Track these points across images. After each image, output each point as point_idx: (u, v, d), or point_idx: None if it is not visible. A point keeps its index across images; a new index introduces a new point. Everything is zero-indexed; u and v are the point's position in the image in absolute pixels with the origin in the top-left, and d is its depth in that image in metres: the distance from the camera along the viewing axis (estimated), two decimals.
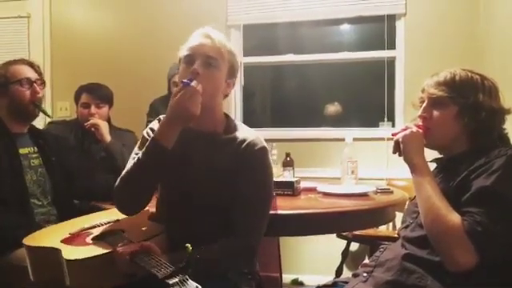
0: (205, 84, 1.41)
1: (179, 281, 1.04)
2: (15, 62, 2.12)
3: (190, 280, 1.04)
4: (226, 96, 1.57)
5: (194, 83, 1.37)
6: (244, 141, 1.49)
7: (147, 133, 1.53)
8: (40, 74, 2.15)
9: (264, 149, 1.50)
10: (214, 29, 1.53)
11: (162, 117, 1.52)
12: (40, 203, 2.08)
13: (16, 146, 2.06)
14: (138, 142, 1.54)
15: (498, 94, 1.40)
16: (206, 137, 1.52)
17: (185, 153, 1.49)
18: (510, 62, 2.71)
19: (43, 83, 2.15)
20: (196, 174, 1.48)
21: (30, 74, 2.10)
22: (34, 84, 2.09)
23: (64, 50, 3.88)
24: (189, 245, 1.09)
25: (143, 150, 1.41)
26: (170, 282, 1.04)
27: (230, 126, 1.55)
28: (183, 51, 1.50)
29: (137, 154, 1.45)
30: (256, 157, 1.48)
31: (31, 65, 2.14)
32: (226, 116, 1.59)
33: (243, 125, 1.59)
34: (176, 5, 3.66)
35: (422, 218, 1.32)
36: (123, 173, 1.46)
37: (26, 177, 2.04)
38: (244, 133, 1.53)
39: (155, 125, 1.53)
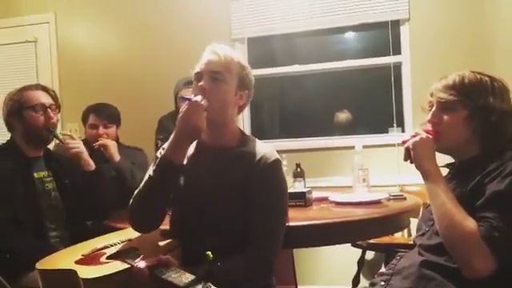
0: (212, 98, 1.44)
1: None
2: (30, 87, 2.14)
3: (212, 286, 1.03)
4: (240, 109, 1.58)
5: (198, 98, 1.40)
6: (257, 154, 1.50)
7: (160, 153, 1.54)
8: (55, 98, 2.16)
9: (278, 162, 1.51)
10: (219, 43, 1.55)
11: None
12: (53, 226, 2.09)
13: (31, 170, 2.08)
14: (153, 163, 1.55)
15: (508, 95, 1.38)
16: (219, 151, 1.53)
17: (198, 167, 1.51)
18: None
19: (58, 108, 2.16)
20: (209, 188, 1.49)
21: (44, 99, 2.11)
22: (48, 109, 2.09)
23: (71, 73, 3.92)
24: (209, 252, 1.08)
25: (154, 168, 1.43)
26: None
27: (244, 140, 1.56)
28: (195, 69, 1.53)
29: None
30: (270, 170, 1.49)
31: (46, 90, 2.15)
32: (241, 130, 1.61)
33: (256, 139, 1.60)
34: (180, 21, 3.69)
35: (437, 225, 1.30)
36: (136, 192, 1.48)
37: (40, 201, 2.05)
38: (257, 146, 1.54)
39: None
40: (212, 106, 1.43)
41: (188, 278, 1.11)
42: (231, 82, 1.51)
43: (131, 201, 1.49)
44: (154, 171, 1.43)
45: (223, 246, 1.41)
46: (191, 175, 1.51)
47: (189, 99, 1.40)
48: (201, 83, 1.47)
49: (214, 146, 1.54)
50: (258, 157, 1.49)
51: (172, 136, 1.43)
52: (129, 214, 1.50)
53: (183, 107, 1.41)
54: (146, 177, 1.47)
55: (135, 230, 1.53)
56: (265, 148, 1.53)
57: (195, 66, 1.54)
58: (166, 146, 1.45)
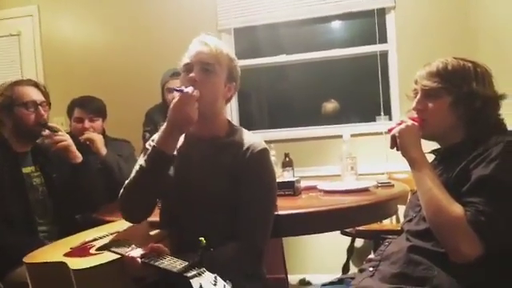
0: (203, 90, 1.44)
1: (197, 273, 1.03)
2: (21, 82, 2.11)
3: (207, 271, 1.03)
4: (227, 100, 1.59)
5: (189, 89, 1.39)
6: (245, 144, 1.51)
7: (149, 144, 1.55)
8: (46, 95, 2.13)
9: (265, 150, 1.52)
10: (206, 34, 1.55)
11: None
12: (41, 221, 2.08)
13: (19, 165, 2.06)
14: (142, 154, 1.56)
15: (491, 80, 1.39)
16: (207, 142, 1.54)
17: (187, 159, 1.51)
18: (502, 48, 2.72)
19: (48, 105, 2.13)
20: (198, 179, 1.50)
21: (36, 96, 2.08)
22: (39, 106, 2.07)
23: (56, 66, 3.88)
24: (202, 238, 1.08)
25: (145, 157, 1.44)
26: (188, 274, 1.03)
27: (232, 131, 1.57)
28: (183, 60, 1.53)
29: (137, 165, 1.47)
30: (257, 159, 1.49)
31: (37, 86, 2.12)
32: (228, 121, 1.61)
33: (244, 129, 1.61)
34: (166, 13, 3.66)
35: (423, 211, 1.31)
36: (127, 182, 1.49)
37: (28, 196, 2.04)
38: (245, 136, 1.55)
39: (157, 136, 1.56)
40: (202, 97, 1.43)
41: (181, 263, 1.12)
42: (221, 73, 1.52)
43: (122, 191, 1.50)
44: (145, 161, 1.43)
45: (213, 235, 1.42)
46: (180, 166, 1.52)
47: (180, 90, 1.40)
48: (192, 74, 1.47)
49: (203, 137, 1.55)
50: (245, 146, 1.50)
51: (163, 126, 1.43)
52: (120, 204, 1.51)
53: (175, 98, 1.41)
54: (137, 167, 1.47)
55: (126, 219, 1.54)
56: (252, 138, 1.54)
57: (183, 58, 1.53)
58: (156, 136, 1.45)
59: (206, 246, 1.09)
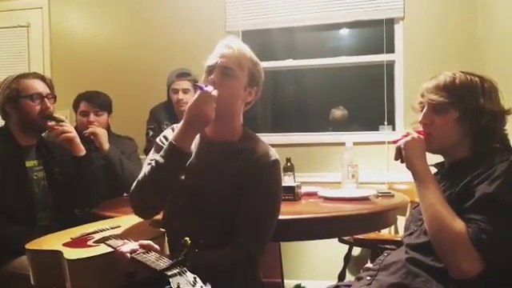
0: (221, 91, 1.44)
1: (178, 272, 1.05)
2: (27, 75, 2.12)
3: (188, 272, 1.05)
4: (247, 104, 1.59)
5: (209, 88, 1.41)
6: (257, 152, 1.51)
7: (160, 140, 1.56)
8: (51, 88, 2.14)
9: (276, 162, 1.52)
10: (214, 36, 1.55)
11: (175, 125, 1.55)
12: (42, 216, 2.08)
13: (23, 159, 2.07)
14: (153, 149, 1.56)
15: (498, 96, 1.38)
16: (220, 145, 1.54)
17: (197, 160, 1.51)
18: (510, 61, 2.71)
19: (54, 97, 2.14)
20: (206, 181, 1.50)
21: (42, 88, 2.09)
22: (45, 99, 2.08)
23: (64, 59, 3.89)
24: (187, 238, 1.10)
25: (161, 153, 1.43)
26: (169, 273, 1.05)
27: (245, 137, 1.57)
28: (207, 60, 1.53)
29: (152, 160, 1.47)
30: (268, 169, 1.50)
31: (43, 79, 2.14)
32: (244, 127, 1.61)
33: (258, 136, 1.61)
34: (175, 12, 3.67)
35: (426, 225, 1.30)
36: (140, 176, 1.48)
37: (30, 190, 2.05)
38: (258, 144, 1.55)
39: (168, 132, 1.57)
40: (220, 98, 1.43)
41: (166, 262, 1.14)
42: (242, 77, 1.52)
43: (134, 186, 1.48)
44: (161, 157, 1.42)
45: (215, 237, 1.43)
46: (190, 167, 1.50)
47: (201, 88, 1.41)
48: (211, 77, 1.47)
49: (215, 139, 1.55)
50: (257, 155, 1.51)
51: (181, 123, 1.43)
52: (131, 199, 1.50)
53: (194, 96, 1.41)
54: (152, 163, 1.46)
55: (137, 215, 1.53)
56: (265, 147, 1.55)
57: (207, 59, 1.53)
58: (174, 133, 1.45)
59: (191, 246, 1.10)
